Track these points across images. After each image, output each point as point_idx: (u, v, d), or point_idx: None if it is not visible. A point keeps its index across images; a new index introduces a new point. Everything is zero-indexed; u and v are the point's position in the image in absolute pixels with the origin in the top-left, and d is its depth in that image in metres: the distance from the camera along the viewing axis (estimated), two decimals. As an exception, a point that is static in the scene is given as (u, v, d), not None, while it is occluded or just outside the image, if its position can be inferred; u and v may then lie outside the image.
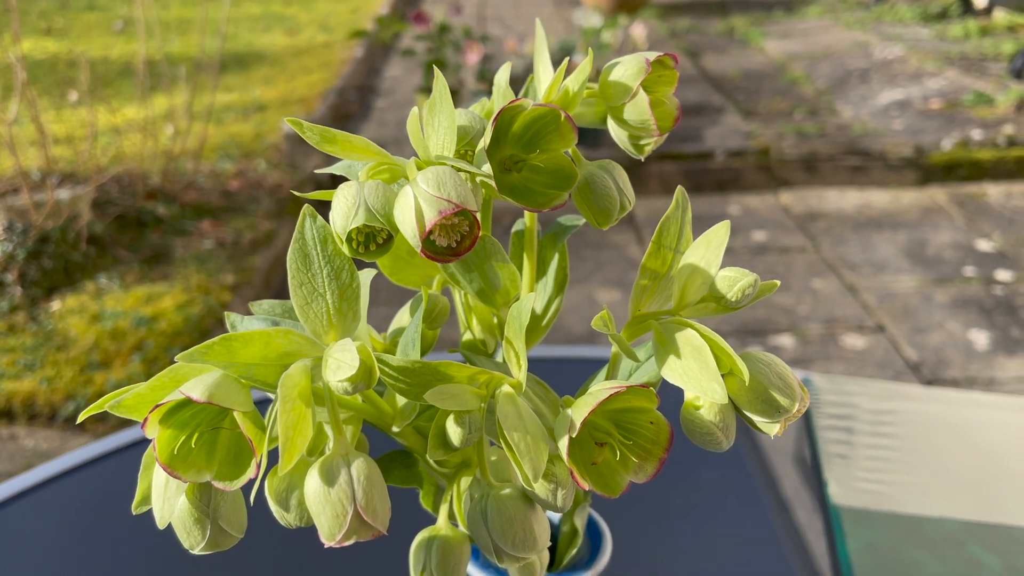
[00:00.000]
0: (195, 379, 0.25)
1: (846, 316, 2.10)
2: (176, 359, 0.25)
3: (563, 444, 0.25)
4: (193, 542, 0.27)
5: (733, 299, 0.27)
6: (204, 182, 2.73)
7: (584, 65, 0.29)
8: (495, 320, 0.36)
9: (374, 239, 0.27)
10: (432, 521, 0.33)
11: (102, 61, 4.11)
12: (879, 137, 3.03)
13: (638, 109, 0.29)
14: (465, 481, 0.33)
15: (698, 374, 0.26)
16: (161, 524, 0.26)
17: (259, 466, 0.25)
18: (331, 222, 0.26)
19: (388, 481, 0.33)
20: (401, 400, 0.31)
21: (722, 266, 0.28)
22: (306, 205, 0.27)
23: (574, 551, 0.37)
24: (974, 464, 0.64)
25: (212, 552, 0.27)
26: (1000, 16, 4.65)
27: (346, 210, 0.26)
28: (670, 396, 0.29)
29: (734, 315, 2.10)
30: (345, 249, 0.27)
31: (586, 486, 0.25)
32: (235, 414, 0.25)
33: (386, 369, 0.27)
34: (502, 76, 0.31)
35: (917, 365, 1.90)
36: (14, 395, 1.75)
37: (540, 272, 0.36)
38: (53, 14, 5.21)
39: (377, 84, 4.02)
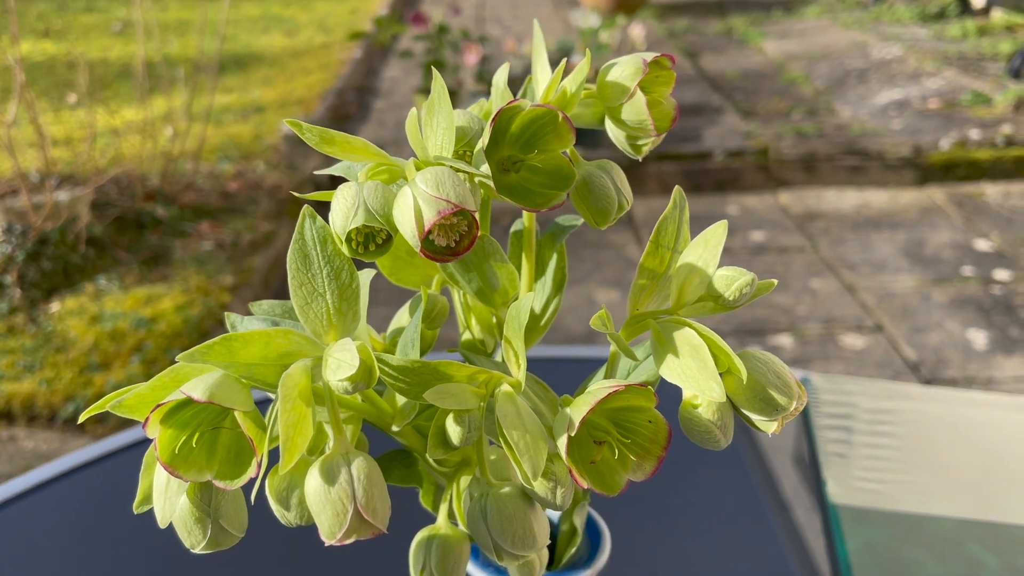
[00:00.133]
0: (196, 379, 0.25)
1: (845, 316, 2.11)
2: (177, 359, 0.26)
3: (562, 443, 0.25)
4: (194, 541, 0.27)
5: (731, 298, 0.28)
6: (203, 183, 2.73)
7: (582, 66, 0.29)
8: (494, 320, 0.36)
9: (373, 239, 0.27)
10: (432, 520, 0.33)
11: (101, 63, 4.11)
12: (877, 137, 3.04)
13: (635, 109, 0.29)
14: (465, 480, 0.33)
15: (696, 373, 0.26)
16: (162, 523, 0.26)
17: (260, 465, 0.25)
18: (330, 222, 0.27)
19: (388, 480, 0.33)
20: (401, 399, 0.32)
21: (720, 266, 0.28)
22: (306, 206, 0.27)
23: (573, 550, 0.37)
24: (973, 463, 0.64)
25: (213, 551, 0.27)
26: (998, 16, 4.65)
27: (345, 210, 0.26)
28: (668, 395, 0.29)
29: (733, 315, 2.10)
30: (345, 249, 0.27)
31: (585, 484, 0.26)
32: (236, 414, 0.25)
33: (386, 368, 0.27)
34: (500, 77, 0.31)
35: (916, 365, 1.91)
36: (13, 396, 1.76)
37: (539, 272, 0.36)
38: (51, 16, 5.21)
39: (376, 85, 4.02)
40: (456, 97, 3.20)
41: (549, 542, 0.37)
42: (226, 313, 0.33)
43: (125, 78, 3.87)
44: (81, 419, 0.27)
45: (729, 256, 2.39)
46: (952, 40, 4.30)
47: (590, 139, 2.75)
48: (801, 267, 2.35)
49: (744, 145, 2.96)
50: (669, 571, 0.56)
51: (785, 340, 2.01)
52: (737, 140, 3.02)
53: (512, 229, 0.36)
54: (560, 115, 0.28)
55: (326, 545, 0.25)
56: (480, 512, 0.29)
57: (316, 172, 0.32)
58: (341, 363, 0.25)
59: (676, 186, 0.30)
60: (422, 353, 0.34)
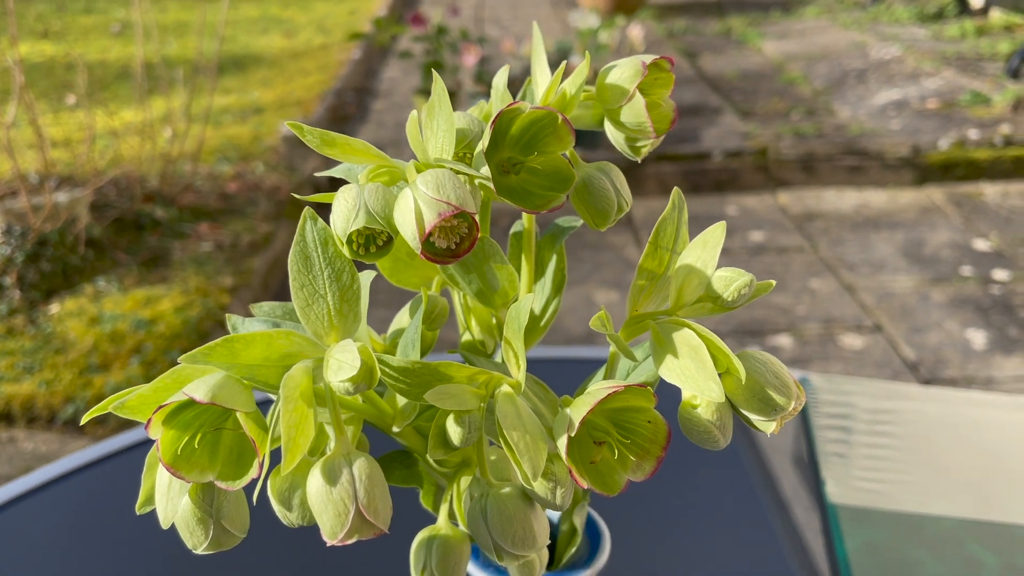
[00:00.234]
0: (198, 380, 0.25)
1: (844, 316, 2.11)
2: (179, 360, 0.26)
3: (562, 443, 0.26)
4: (196, 542, 0.27)
5: (729, 299, 0.28)
6: (202, 184, 2.73)
7: (581, 68, 0.29)
8: (494, 321, 0.36)
9: (374, 241, 0.27)
10: (432, 521, 0.34)
11: (100, 64, 4.11)
12: (876, 137, 3.04)
13: (634, 112, 0.29)
14: (465, 480, 0.33)
15: (695, 373, 0.26)
16: (165, 524, 0.26)
17: (261, 466, 0.25)
18: (332, 224, 0.27)
19: (389, 481, 0.33)
20: (401, 400, 0.32)
21: (719, 266, 0.28)
22: (307, 208, 0.28)
23: (573, 550, 0.37)
24: (972, 463, 0.64)
25: (215, 552, 0.27)
26: (996, 16, 4.66)
27: (347, 213, 0.26)
28: (668, 395, 0.30)
29: (732, 315, 2.11)
30: (346, 251, 0.27)
31: (585, 484, 0.26)
32: (238, 415, 0.25)
33: (386, 370, 0.27)
34: (500, 79, 0.31)
35: (915, 365, 1.91)
36: (13, 398, 1.76)
37: (538, 273, 0.37)
38: (50, 17, 5.21)
39: (375, 86, 4.03)
40: (455, 98, 3.20)
41: (549, 542, 0.37)
42: (227, 315, 0.33)
43: (124, 79, 3.87)
44: (83, 421, 0.27)
45: (728, 256, 2.39)
46: (951, 40, 4.30)
47: (589, 140, 2.76)
48: (800, 267, 2.35)
49: (743, 145, 2.96)
50: (669, 571, 0.57)
51: (784, 340, 2.01)
52: (736, 140, 3.03)
53: (512, 230, 0.36)
54: (560, 117, 0.28)
55: (328, 545, 0.25)
56: (480, 512, 0.29)
57: (317, 174, 0.32)
58: (342, 364, 0.25)
59: (675, 188, 0.30)
60: (422, 354, 0.34)
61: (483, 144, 0.27)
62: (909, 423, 0.68)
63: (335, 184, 0.30)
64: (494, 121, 0.27)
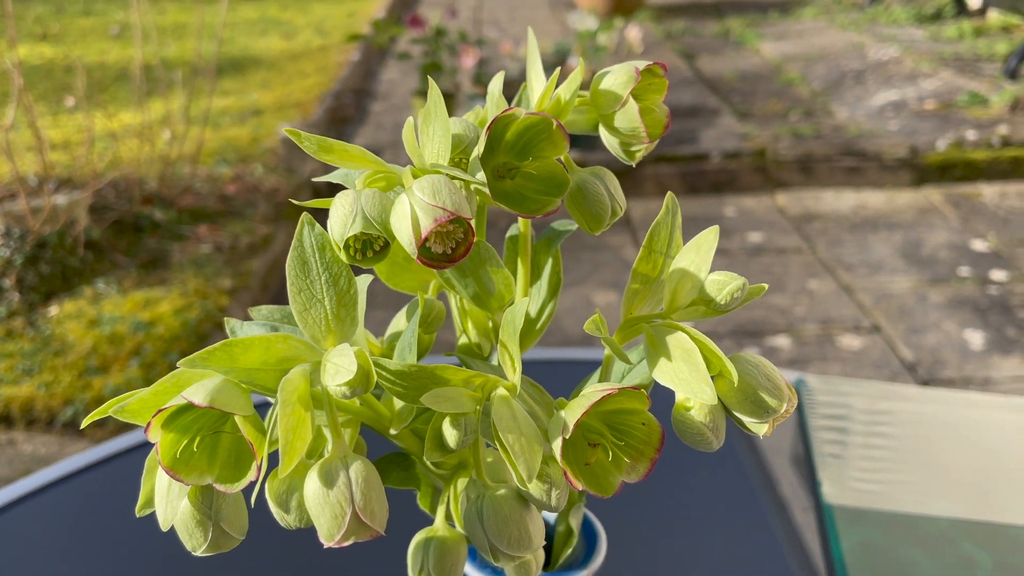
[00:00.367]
0: (197, 384, 0.26)
1: (842, 317, 2.11)
2: (178, 365, 0.26)
3: (557, 445, 0.26)
4: (195, 544, 0.27)
5: (722, 302, 0.28)
6: (201, 187, 2.73)
7: (575, 74, 0.30)
8: (490, 324, 0.37)
9: (371, 246, 0.28)
10: (430, 522, 0.34)
11: (98, 66, 4.11)
12: (874, 138, 3.05)
13: (628, 117, 0.29)
14: (462, 482, 0.33)
15: (688, 376, 0.27)
16: (164, 526, 0.27)
17: (260, 469, 0.25)
18: (329, 230, 0.27)
19: (386, 483, 0.34)
20: (398, 403, 0.32)
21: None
22: (304, 213, 0.28)
23: (569, 551, 0.37)
24: (968, 463, 0.65)
25: (214, 553, 0.28)
26: (994, 17, 4.67)
27: (344, 218, 0.26)
28: (662, 398, 0.30)
29: (730, 317, 2.11)
30: (343, 256, 0.27)
31: (579, 486, 0.26)
32: (236, 418, 0.25)
33: (383, 373, 0.27)
34: (495, 86, 0.31)
35: (913, 365, 1.91)
36: (12, 400, 1.76)
37: (534, 276, 0.37)
38: (49, 19, 5.21)
39: (373, 88, 4.03)
40: (453, 100, 3.20)
41: (545, 543, 0.38)
42: (226, 319, 0.33)
43: (123, 81, 3.87)
44: (84, 424, 0.27)
45: (727, 257, 2.39)
46: (948, 41, 4.31)
47: (587, 143, 2.76)
48: (798, 268, 2.35)
49: (741, 147, 2.97)
50: (666, 571, 0.57)
51: (783, 341, 2.02)
52: (734, 142, 3.03)
53: (508, 234, 0.37)
54: (554, 123, 0.28)
55: (325, 547, 0.25)
56: (476, 514, 0.29)
57: (315, 179, 0.33)
58: (339, 368, 0.25)
59: (669, 192, 0.30)
60: (419, 357, 0.34)
61: (479, 149, 0.28)
62: (905, 424, 0.69)
63: (334, 188, 0.30)
64: (489, 127, 0.27)
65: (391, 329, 0.38)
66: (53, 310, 2.06)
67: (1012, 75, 3.51)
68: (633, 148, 0.31)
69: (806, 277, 2.30)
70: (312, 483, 0.26)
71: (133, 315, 2.01)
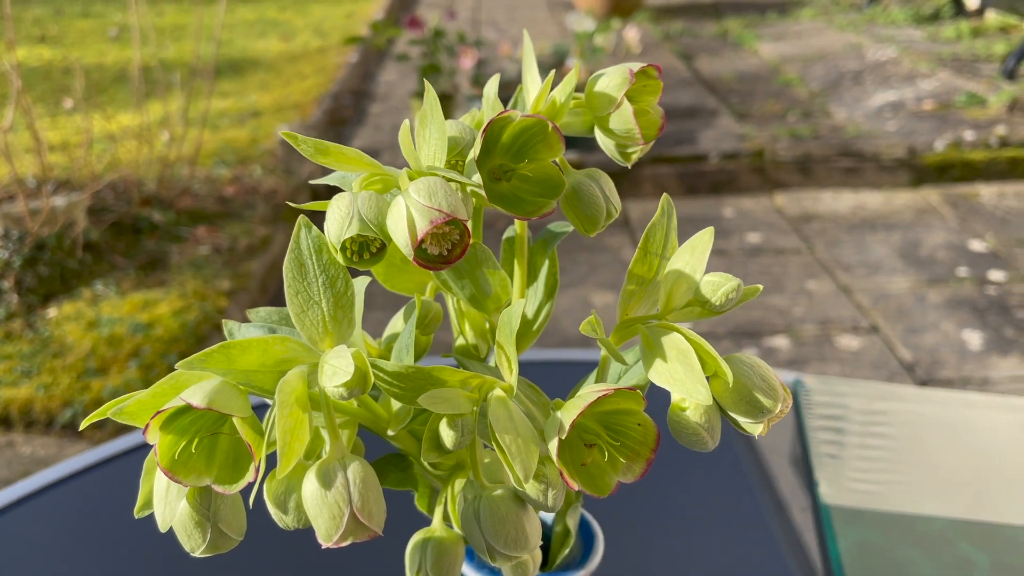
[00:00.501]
0: (195, 386, 0.26)
1: (840, 317, 2.11)
2: (176, 366, 0.26)
3: (553, 446, 0.26)
4: (194, 545, 0.27)
5: (717, 303, 0.28)
6: (200, 188, 2.73)
7: (570, 77, 0.30)
8: (487, 325, 0.37)
9: (368, 248, 0.28)
10: (427, 523, 0.34)
11: (97, 68, 4.12)
12: (872, 139, 3.05)
13: (623, 119, 0.30)
14: (459, 483, 0.33)
15: (683, 376, 0.27)
16: (163, 527, 0.27)
17: (258, 470, 0.25)
18: (326, 232, 0.27)
19: (384, 484, 0.34)
20: (396, 404, 0.32)
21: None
22: (301, 216, 0.28)
23: (567, 551, 0.38)
24: (965, 463, 0.65)
25: (212, 555, 0.28)
26: (992, 17, 4.67)
27: (340, 220, 0.26)
28: (658, 398, 0.30)
29: (729, 317, 2.11)
30: (340, 258, 0.27)
31: (576, 486, 0.26)
32: (234, 419, 0.25)
33: (380, 374, 0.28)
34: (491, 88, 0.32)
35: (911, 366, 1.92)
36: (11, 402, 1.76)
37: (531, 278, 0.37)
38: (47, 21, 5.21)
39: (372, 89, 4.03)
40: (452, 101, 3.21)
41: (542, 543, 0.38)
42: (224, 320, 0.34)
43: (121, 83, 3.87)
44: (83, 426, 0.27)
45: (725, 258, 2.40)
46: (946, 41, 4.32)
47: (584, 144, 2.76)
48: (797, 269, 2.35)
49: (739, 147, 2.97)
50: (664, 572, 0.57)
51: (781, 342, 2.02)
52: (732, 142, 3.03)
53: (504, 236, 0.37)
54: (550, 125, 0.28)
55: (323, 548, 0.25)
56: (473, 514, 0.29)
57: (312, 182, 0.33)
58: (336, 369, 0.26)
59: (664, 194, 0.30)
60: (416, 358, 0.34)
61: (475, 152, 0.28)
62: (902, 424, 0.69)
63: (332, 190, 0.30)
64: (485, 129, 0.27)
65: (389, 331, 0.38)
66: (52, 312, 2.06)
67: (1010, 75, 3.52)
68: (628, 149, 0.31)
69: (804, 278, 2.31)
70: (310, 484, 0.26)
71: (132, 317, 2.01)
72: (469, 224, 0.27)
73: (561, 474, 0.26)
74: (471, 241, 0.27)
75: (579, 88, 0.31)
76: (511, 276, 0.35)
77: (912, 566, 0.55)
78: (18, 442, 1.71)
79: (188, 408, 0.25)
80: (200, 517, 0.27)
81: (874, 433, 0.68)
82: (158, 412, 0.25)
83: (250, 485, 0.26)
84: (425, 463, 0.34)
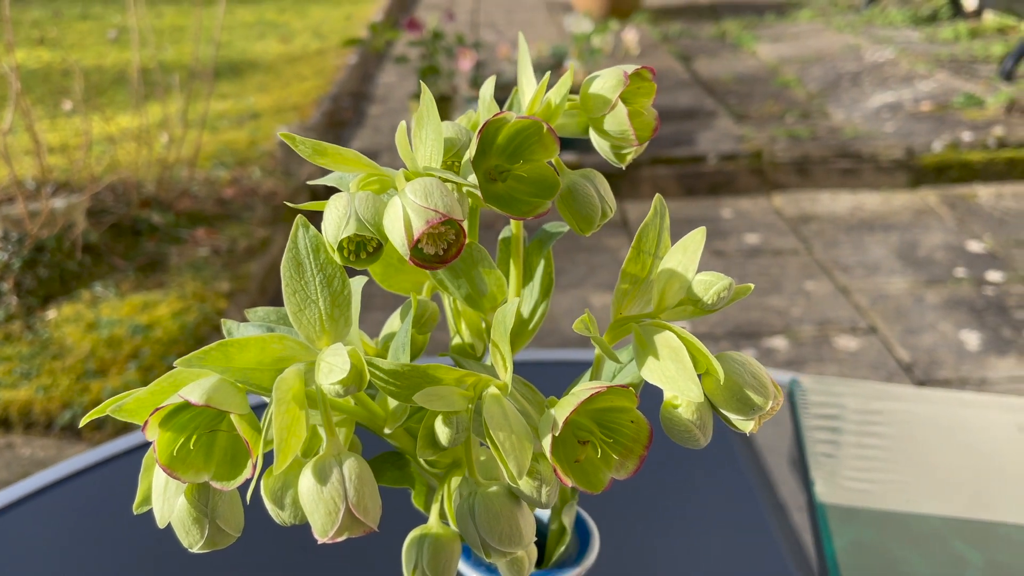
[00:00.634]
0: (193, 383, 0.26)
1: (839, 318, 2.12)
2: (175, 364, 0.27)
3: (546, 442, 0.26)
4: (192, 541, 0.28)
5: (709, 302, 0.29)
6: (199, 190, 2.73)
7: (565, 79, 0.30)
8: (483, 324, 0.37)
9: (365, 248, 0.28)
10: (424, 520, 0.34)
11: (96, 70, 4.12)
12: (870, 140, 3.05)
13: (617, 120, 0.30)
14: (455, 481, 0.34)
15: (675, 374, 0.27)
16: (161, 523, 0.27)
17: (255, 467, 0.26)
18: (323, 232, 0.27)
19: (381, 481, 0.34)
20: (392, 403, 0.32)
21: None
22: (299, 216, 0.28)
23: (563, 548, 0.38)
24: (960, 462, 0.65)
25: (210, 551, 0.28)
26: (990, 18, 4.68)
27: (337, 220, 0.27)
28: (651, 396, 0.30)
29: (728, 318, 2.12)
30: (336, 258, 0.28)
31: (569, 483, 0.27)
32: (232, 417, 0.26)
33: (377, 372, 0.28)
34: (486, 90, 0.32)
35: (909, 366, 1.92)
36: (11, 404, 1.76)
37: (527, 277, 0.37)
38: (46, 23, 5.21)
39: (371, 91, 4.04)
40: (451, 103, 3.21)
41: (539, 540, 0.38)
42: (222, 320, 0.34)
43: (120, 85, 3.88)
44: (83, 423, 0.28)
45: (724, 259, 2.40)
46: (944, 43, 4.32)
47: (582, 145, 2.76)
48: (795, 269, 2.36)
49: (738, 148, 2.98)
50: (660, 569, 0.57)
51: (779, 342, 2.02)
52: (731, 144, 3.04)
53: (501, 236, 0.37)
54: (544, 126, 0.29)
55: (319, 543, 0.26)
56: (468, 510, 0.29)
57: (310, 183, 0.33)
58: (333, 367, 0.26)
59: (657, 195, 0.31)
60: (413, 357, 0.35)
61: (470, 153, 0.28)
62: (898, 423, 0.69)
63: (330, 191, 0.31)
64: (481, 130, 0.28)
65: (386, 330, 0.38)
66: (51, 313, 2.06)
67: (1008, 76, 3.53)
68: (623, 151, 0.32)
69: (803, 278, 2.31)
70: (306, 480, 0.26)
71: (131, 318, 2.01)
72: (465, 224, 0.27)
73: (555, 470, 0.26)
74: (467, 241, 0.27)
75: (575, 90, 0.32)
76: (507, 276, 0.36)
77: (906, 564, 0.55)
78: (17, 443, 1.71)
79: (187, 405, 0.26)
80: (198, 513, 0.27)
81: (870, 432, 0.68)
82: (157, 409, 0.25)
83: (248, 481, 0.26)
84: (421, 461, 0.34)
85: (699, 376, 0.27)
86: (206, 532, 0.27)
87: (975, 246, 2.45)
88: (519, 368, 0.31)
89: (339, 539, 0.25)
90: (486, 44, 4.23)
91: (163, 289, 2.16)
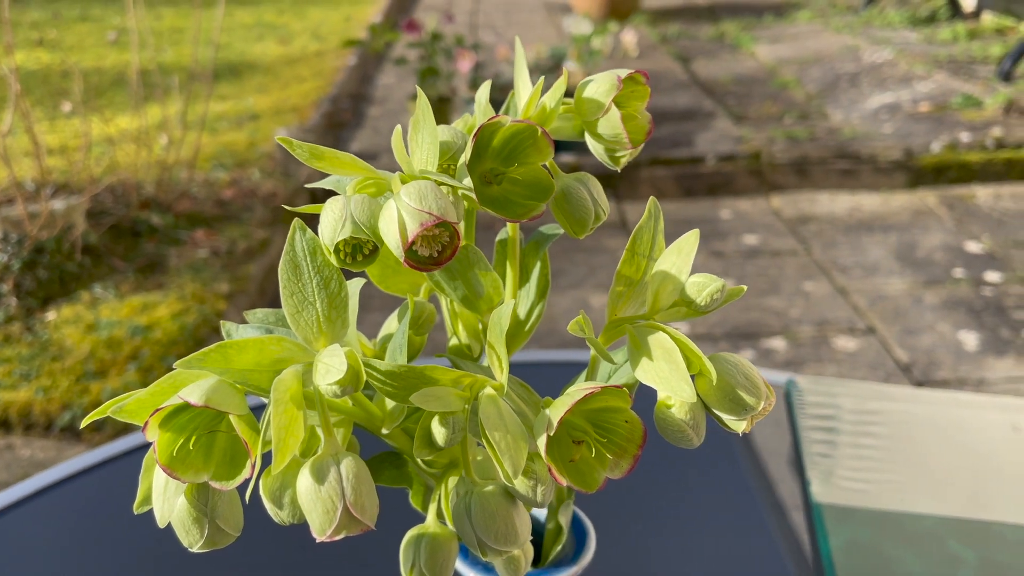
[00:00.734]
0: (193, 385, 0.26)
1: (837, 318, 2.12)
2: (174, 366, 0.27)
3: (541, 442, 0.27)
4: (192, 540, 0.28)
5: (702, 303, 0.29)
6: (198, 191, 2.74)
7: (560, 83, 0.31)
8: (480, 326, 0.38)
9: (361, 250, 0.29)
10: (421, 520, 0.35)
11: (95, 71, 4.12)
12: (869, 140, 3.06)
13: (611, 124, 0.30)
14: (452, 480, 0.34)
15: (669, 374, 0.27)
16: (161, 523, 0.27)
17: (254, 466, 0.26)
18: (320, 234, 0.28)
19: (379, 481, 0.34)
20: (390, 403, 0.33)
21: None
22: (296, 219, 0.29)
23: (559, 547, 0.38)
24: (955, 462, 0.66)
25: (210, 550, 0.28)
26: (988, 19, 4.69)
27: (334, 223, 0.27)
28: (646, 397, 0.31)
29: (727, 319, 2.12)
30: (333, 260, 0.28)
31: (564, 482, 0.27)
32: (231, 417, 0.26)
33: (374, 373, 0.28)
34: (482, 94, 0.32)
35: (908, 366, 1.92)
36: (10, 405, 1.76)
37: (523, 279, 0.38)
38: (46, 25, 5.22)
39: (370, 92, 4.04)
40: (450, 104, 3.21)
41: (536, 539, 0.39)
42: (222, 321, 0.34)
43: (120, 87, 3.88)
44: (83, 424, 0.28)
45: (722, 260, 2.40)
46: (942, 44, 4.33)
47: (581, 147, 2.77)
48: (794, 270, 2.36)
49: (736, 149, 2.98)
50: (656, 567, 0.58)
51: (778, 343, 2.03)
52: (729, 145, 3.04)
53: (497, 238, 0.38)
54: (539, 130, 0.29)
55: (317, 541, 0.26)
56: (465, 509, 0.30)
57: (308, 185, 0.33)
58: (330, 368, 0.26)
59: (651, 197, 0.31)
60: (411, 358, 0.35)
61: (466, 156, 0.29)
62: (894, 424, 0.70)
63: (328, 193, 0.31)
64: (476, 134, 0.28)
65: (383, 331, 0.39)
66: (51, 315, 2.06)
67: (1006, 77, 3.53)
68: (617, 153, 0.32)
69: (801, 279, 2.31)
70: (304, 479, 0.26)
71: (130, 320, 2.02)
72: (459, 226, 0.27)
73: (550, 470, 0.27)
74: (461, 243, 0.28)
75: (569, 93, 0.32)
76: (504, 277, 0.36)
77: (901, 563, 0.55)
78: (17, 445, 1.71)
79: (186, 406, 0.26)
80: (198, 513, 0.27)
81: (866, 432, 0.68)
82: (157, 410, 0.25)
83: (247, 481, 0.26)
84: (419, 461, 0.34)
85: (692, 377, 0.28)
86: (206, 532, 0.28)
87: (973, 247, 2.45)
88: (517, 369, 0.31)
89: (337, 537, 0.26)
90: (485, 45, 4.23)
91: (162, 290, 2.16)
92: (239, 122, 3.51)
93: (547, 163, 0.30)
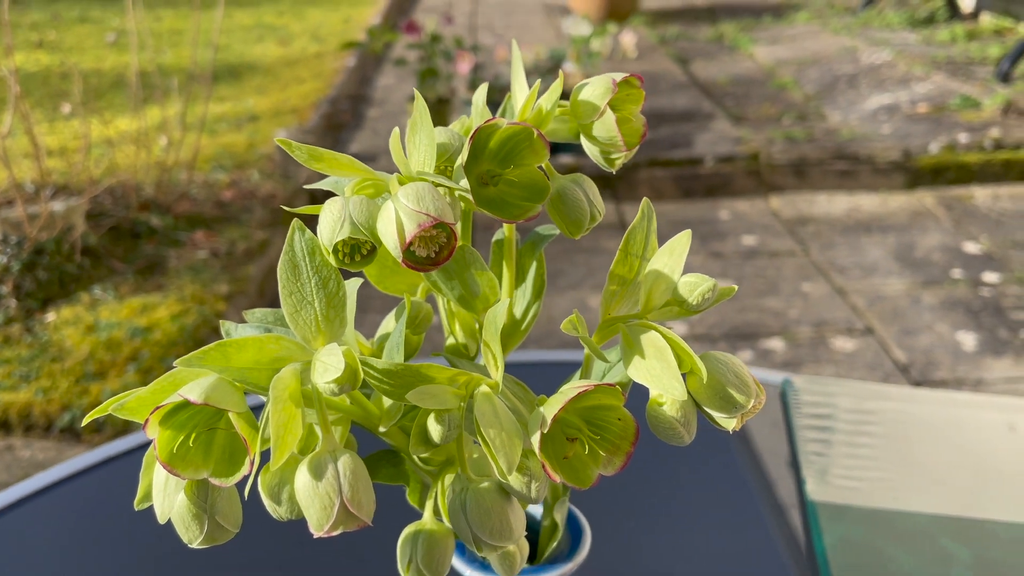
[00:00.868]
0: (192, 383, 0.27)
1: (836, 319, 2.13)
2: (175, 364, 0.27)
3: (535, 439, 0.27)
4: (191, 536, 0.28)
5: (694, 303, 0.29)
6: (198, 193, 2.74)
7: (555, 85, 0.31)
8: (477, 325, 0.38)
9: (359, 251, 0.29)
10: (418, 517, 0.35)
11: (95, 73, 4.13)
12: (867, 141, 3.07)
13: (606, 127, 0.31)
14: (448, 477, 0.34)
15: (660, 373, 0.28)
16: (162, 519, 0.28)
17: (253, 463, 0.27)
18: (319, 235, 0.28)
19: (376, 479, 0.35)
20: (387, 401, 0.33)
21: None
22: (295, 219, 0.29)
23: (554, 544, 0.39)
24: (950, 461, 0.66)
25: (209, 546, 0.29)
26: (986, 20, 4.69)
27: (332, 224, 0.28)
28: (639, 395, 0.31)
29: (725, 319, 2.12)
30: (332, 260, 0.29)
31: (557, 478, 0.27)
32: (230, 415, 0.26)
33: (371, 372, 0.29)
34: (479, 96, 0.33)
35: (906, 367, 1.93)
36: (10, 406, 1.77)
37: (519, 279, 0.38)
38: (45, 27, 5.22)
39: (369, 93, 4.04)
40: (449, 105, 3.22)
41: (531, 536, 0.39)
42: (221, 321, 0.35)
43: (119, 88, 3.88)
44: (84, 422, 0.28)
45: (721, 261, 2.41)
46: (941, 45, 4.34)
47: (579, 148, 2.77)
48: (792, 271, 2.37)
49: (735, 151, 2.99)
50: (651, 564, 0.58)
51: (777, 344, 2.03)
52: (728, 146, 3.05)
53: (494, 238, 0.38)
54: (535, 132, 0.29)
55: (315, 537, 0.27)
56: (460, 506, 0.30)
57: (306, 186, 0.34)
58: (328, 367, 0.27)
59: (644, 198, 0.31)
60: (408, 357, 0.36)
61: (463, 158, 0.29)
62: (890, 423, 0.70)
63: (327, 194, 0.32)
64: (472, 136, 0.29)
65: (381, 330, 0.39)
66: (50, 316, 2.07)
67: (1004, 78, 3.54)
68: (612, 156, 0.32)
69: (800, 280, 2.32)
70: (302, 476, 0.27)
71: (130, 321, 2.02)
72: (456, 227, 0.28)
73: (544, 467, 0.27)
74: (458, 244, 0.28)
75: (565, 95, 0.33)
76: (501, 277, 0.37)
77: (894, 561, 0.56)
78: (17, 446, 1.72)
79: (186, 404, 0.26)
80: (197, 509, 0.28)
81: (862, 432, 0.69)
82: (157, 407, 0.26)
83: (245, 478, 0.27)
84: (415, 458, 0.35)
85: (683, 375, 0.28)
86: (205, 528, 0.28)
87: (971, 247, 2.46)
88: (514, 368, 0.31)
89: (334, 533, 0.26)
90: (484, 47, 4.24)
91: (162, 292, 2.17)
92: (238, 123, 3.51)
93: (543, 165, 0.31)
